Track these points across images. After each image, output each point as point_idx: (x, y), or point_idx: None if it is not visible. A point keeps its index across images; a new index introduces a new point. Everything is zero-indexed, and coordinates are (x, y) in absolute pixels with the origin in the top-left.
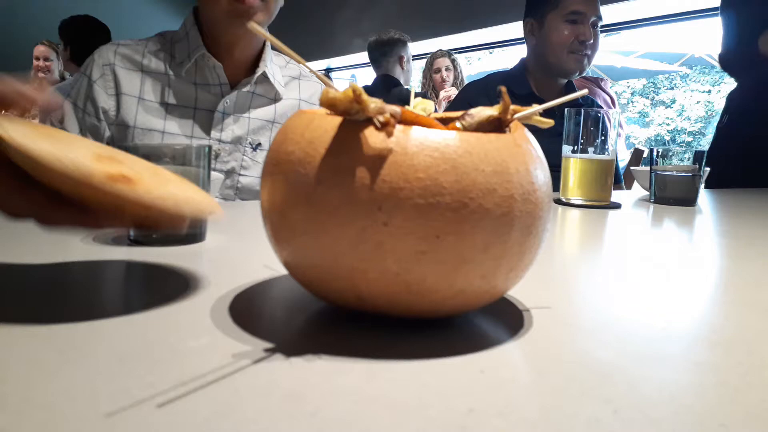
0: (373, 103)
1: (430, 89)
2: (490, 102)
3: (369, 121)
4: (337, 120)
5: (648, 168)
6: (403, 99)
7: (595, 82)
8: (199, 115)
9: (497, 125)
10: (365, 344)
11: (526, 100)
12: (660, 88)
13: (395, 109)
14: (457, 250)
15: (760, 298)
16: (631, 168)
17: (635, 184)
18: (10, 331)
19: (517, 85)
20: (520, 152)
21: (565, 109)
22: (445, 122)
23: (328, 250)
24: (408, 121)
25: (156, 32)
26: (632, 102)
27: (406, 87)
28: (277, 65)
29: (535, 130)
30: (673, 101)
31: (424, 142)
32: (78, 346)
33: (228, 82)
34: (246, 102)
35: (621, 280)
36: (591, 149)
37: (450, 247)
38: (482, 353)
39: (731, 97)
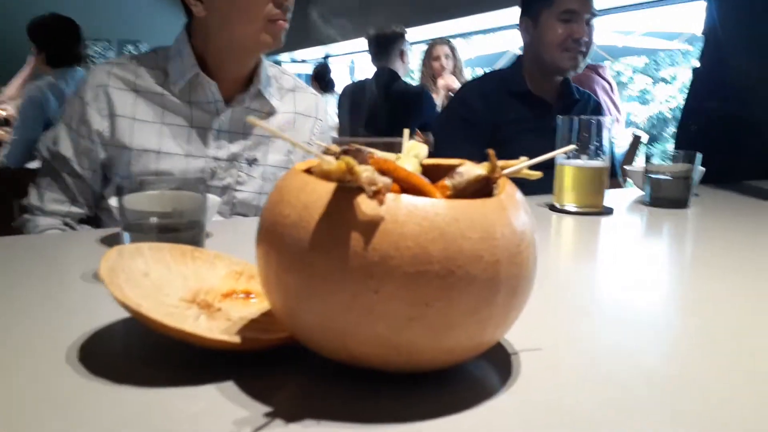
0: (366, 171)
1: (429, 77)
2: (487, 102)
3: (362, 188)
4: (332, 185)
5: (642, 169)
6: (402, 94)
7: (594, 69)
8: (195, 133)
9: (485, 183)
10: (356, 403)
11: (522, 98)
12: (661, 66)
13: (386, 180)
14: (446, 316)
15: (746, 341)
16: (626, 167)
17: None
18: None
19: (513, 83)
20: (506, 216)
21: (558, 117)
22: (436, 173)
23: (321, 314)
24: (400, 179)
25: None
26: (633, 80)
27: (403, 82)
28: (272, 76)
29: (529, 129)
30: (674, 78)
31: (414, 211)
32: (79, 412)
33: (222, 99)
34: (241, 118)
35: (610, 307)
36: (585, 156)
37: (438, 314)
38: (468, 413)
39: (697, 77)
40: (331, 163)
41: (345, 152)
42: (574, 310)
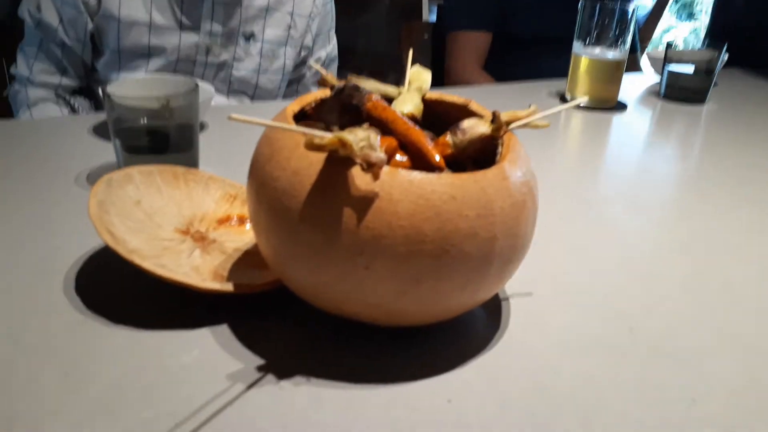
0: (362, 142)
1: None
2: None
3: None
4: (323, 154)
5: (662, 56)
6: None
7: None
8: (187, 4)
9: (489, 142)
10: (348, 358)
11: None
12: None
13: (381, 155)
14: (437, 291)
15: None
16: (647, 54)
17: (647, 63)
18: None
19: None
20: (507, 187)
21: (581, 1)
22: (439, 109)
23: (311, 282)
24: (398, 132)
25: None
26: None
27: None
28: None
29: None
30: None
31: (409, 188)
32: (77, 354)
33: None
34: None
35: (605, 241)
36: (603, 46)
37: (429, 289)
38: (454, 374)
39: None
40: (324, 137)
41: (341, 90)
42: (568, 242)
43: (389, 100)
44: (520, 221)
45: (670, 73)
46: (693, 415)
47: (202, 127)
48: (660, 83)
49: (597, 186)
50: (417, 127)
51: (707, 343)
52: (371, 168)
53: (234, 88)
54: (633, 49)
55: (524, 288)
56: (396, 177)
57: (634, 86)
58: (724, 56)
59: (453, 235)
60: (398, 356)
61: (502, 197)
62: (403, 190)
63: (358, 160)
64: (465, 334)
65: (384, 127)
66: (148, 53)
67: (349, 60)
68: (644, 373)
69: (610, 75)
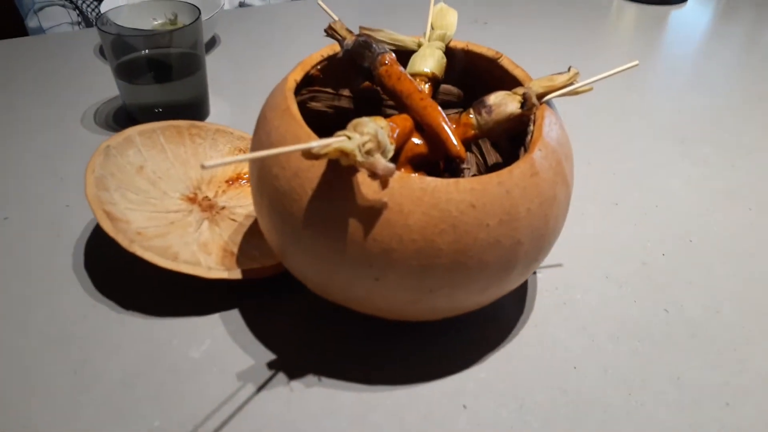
0: (369, 143)
1: None
2: None
3: None
4: None
5: None
6: None
7: None
8: None
9: (519, 120)
10: (361, 354)
11: None
12: None
13: (389, 165)
14: (452, 299)
15: None
16: None
17: None
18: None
19: None
20: (536, 184)
21: None
22: (466, 60)
23: (320, 283)
24: (414, 109)
25: None
26: None
27: None
28: None
29: None
30: None
31: (422, 197)
32: (91, 363)
33: None
34: None
35: (642, 201)
36: None
37: (444, 297)
38: (471, 371)
39: None
40: (322, 147)
41: (350, 49)
42: (603, 195)
43: (407, 54)
44: (549, 219)
45: None
46: (727, 421)
47: (213, 43)
48: None
49: (641, 114)
50: (436, 104)
51: (751, 331)
52: (378, 177)
53: None
54: None
55: (554, 258)
56: (406, 185)
57: None
58: None
59: (471, 247)
60: (412, 349)
61: (530, 198)
62: (414, 199)
63: (366, 169)
64: (486, 321)
65: (398, 99)
66: None
67: None
68: (677, 368)
69: None
